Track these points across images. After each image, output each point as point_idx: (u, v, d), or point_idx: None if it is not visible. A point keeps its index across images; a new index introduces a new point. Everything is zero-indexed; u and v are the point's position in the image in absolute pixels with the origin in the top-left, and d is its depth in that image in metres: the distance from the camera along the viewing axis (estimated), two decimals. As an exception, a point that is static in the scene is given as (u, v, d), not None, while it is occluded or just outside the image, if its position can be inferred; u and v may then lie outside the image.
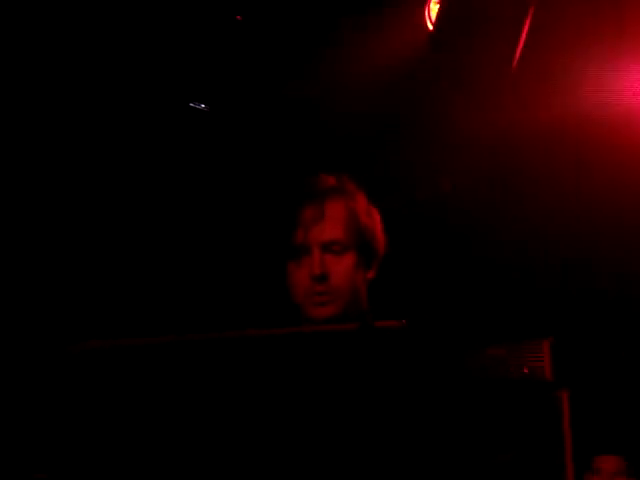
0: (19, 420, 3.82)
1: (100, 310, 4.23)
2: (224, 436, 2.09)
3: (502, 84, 3.91)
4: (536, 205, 4.42)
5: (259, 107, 4.41)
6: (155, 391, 2.13)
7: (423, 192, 4.56)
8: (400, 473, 2.03)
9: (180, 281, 4.40)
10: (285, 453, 2.06)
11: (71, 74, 4.02)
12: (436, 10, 4.13)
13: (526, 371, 4.73)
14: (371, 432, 2.01)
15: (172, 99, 4.29)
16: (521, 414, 4.74)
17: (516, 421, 4.74)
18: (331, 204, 2.24)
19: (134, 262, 4.42)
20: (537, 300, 4.69)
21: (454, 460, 2.05)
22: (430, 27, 4.14)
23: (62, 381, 2.36)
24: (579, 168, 4.25)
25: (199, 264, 4.45)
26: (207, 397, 2.10)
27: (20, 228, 4.21)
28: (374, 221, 2.35)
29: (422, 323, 2.13)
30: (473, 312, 4.71)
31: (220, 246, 4.32)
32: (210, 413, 2.09)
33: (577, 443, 4.61)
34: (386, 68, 4.14)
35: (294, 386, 2.09)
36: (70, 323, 4.08)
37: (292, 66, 4.28)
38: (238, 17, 4.04)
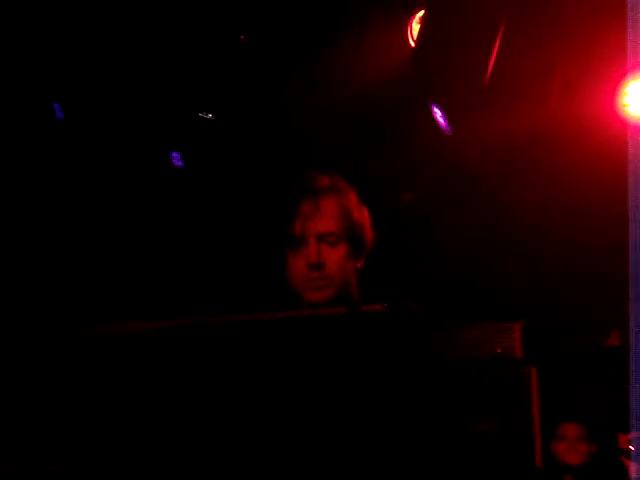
0: (31, 408, 4.00)
1: (110, 297, 4.47)
2: (226, 413, 2.22)
3: (474, 99, 4.08)
4: (509, 206, 4.77)
5: (258, 122, 4.66)
6: (161, 369, 2.23)
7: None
8: (388, 442, 2.20)
9: (191, 268, 4.72)
10: (282, 430, 2.19)
11: (98, 90, 4.27)
12: (417, 29, 4.31)
13: (500, 350, 5.23)
14: (358, 405, 2.16)
15: (184, 109, 4.58)
16: (495, 388, 5.20)
17: (491, 394, 5.20)
18: (326, 200, 2.39)
19: (152, 254, 4.71)
20: (509, 288, 5.07)
21: (436, 431, 2.17)
22: (412, 44, 4.35)
23: (74, 364, 2.34)
24: (551, 172, 4.58)
25: (209, 256, 4.76)
26: (210, 377, 2.23)
27: (41, 220, 4.45)
28: (363, 217, 2.48)
29: (404, 307, 2.24)
30: (453, 299, 5.04)
31: (228, 238, 4.58)
32: (213, 392, 2.23)
33: (544, 413, 5.05)
34: (371, 82, 4.38)
35: (290, 365, 2.21)
36: (82, 309, 4.32)
37: (286, 79, 4.49)
38: (242, 37, 4.27)
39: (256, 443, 2.18)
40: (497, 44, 3.98)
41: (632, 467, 4.00)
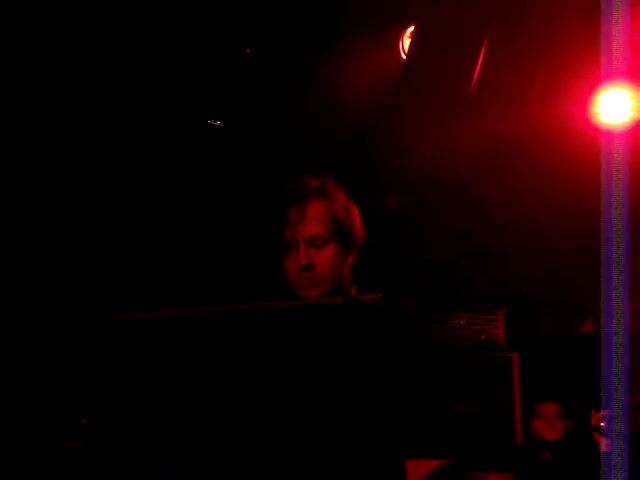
0: (61, 385, 4.26)
1: (129, 288, 4.62)
2: (229, 394, 2.33)
3: (459, 108, 4.33)
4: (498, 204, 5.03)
5: (259, 131, 4.85)
6: (174, 350, 2.32)
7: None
8: (381, 421, 2.31)
9: (201, 269, 4.95)
10: (282, 411, 2.32)
11: (105, 98, 4.37)
12: (408, 43, 4.54)
13: (484, 337, 5.50)
14: (352, 389, 2.28)
15: (193, 117, 4.77)
16: (479, 373, 5.45)
17: (475, 378, 5.44)
18: (312, 205, 2.46)
19: (173, 250, 4.88)
20: (492, 280, 5.34)
21: (424, 411, 2.45)
22: (404, 57, 4.58)
23: (98, 347, 2.44)
24: (530, 174, 4.83)
25: (219, 260, 4.99)
26: (216, 360, 2.33)
27: (66, 215, 4.57)
28: (352, 215, 2.55)
29: (396, 297, 2.35)
30: (440, 288, 5.34)
31: (235, 244, 4.81)
32: (218, 373, 2.34)
33: (525, 395, 5.31)
34: (366, 93, 4.57)
35: (293, 350, 2.31)
36: (105, 298, 4.50)
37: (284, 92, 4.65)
38: (248, 50, 4.43)
39: (256, 422, 2.33)
40: (481, 57, 4.22)
41: (603, 442, 4.16)
